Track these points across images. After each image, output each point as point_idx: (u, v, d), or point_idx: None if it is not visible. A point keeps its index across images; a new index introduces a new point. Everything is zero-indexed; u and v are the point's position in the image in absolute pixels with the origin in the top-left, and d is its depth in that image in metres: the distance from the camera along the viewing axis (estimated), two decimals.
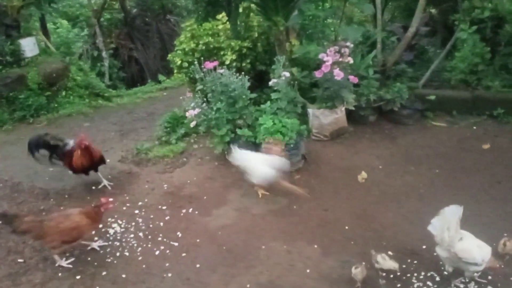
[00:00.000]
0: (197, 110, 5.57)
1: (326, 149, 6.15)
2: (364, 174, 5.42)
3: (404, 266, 3.94)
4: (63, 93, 9.10)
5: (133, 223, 4.69)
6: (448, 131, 6.36)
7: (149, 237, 4.47)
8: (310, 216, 4.77)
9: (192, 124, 5.69)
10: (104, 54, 12.76)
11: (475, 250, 3.50)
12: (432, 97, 6.74)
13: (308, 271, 3.96)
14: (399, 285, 3.75)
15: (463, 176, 5.24)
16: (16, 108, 8.27)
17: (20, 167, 6.08)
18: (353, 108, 6.34)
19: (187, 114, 5.72)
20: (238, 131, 5.60)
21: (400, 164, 5.66)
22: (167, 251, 4.26)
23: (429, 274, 3.84)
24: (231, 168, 5.75)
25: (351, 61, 6.02)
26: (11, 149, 6.88)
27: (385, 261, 3.78)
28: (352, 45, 6.15)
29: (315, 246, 4.28)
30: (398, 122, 6.67)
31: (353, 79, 5.96)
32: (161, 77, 13.09)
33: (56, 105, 8.83)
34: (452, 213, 3.56)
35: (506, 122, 6.37)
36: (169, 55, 7.41)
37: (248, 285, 3.81)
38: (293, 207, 4.93)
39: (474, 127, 6.40)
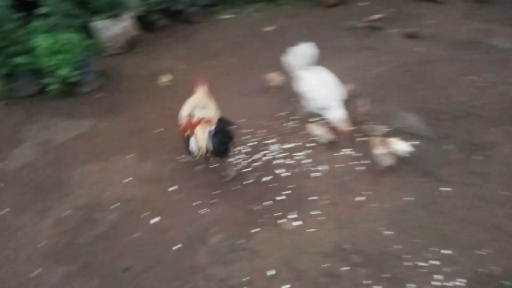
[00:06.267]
0: None
1: (124, 62, 5.86)
2: (166, 77, 5.40)
3: None
4: None
5: None
6: (236, 22, 6.67)
7: None
8: (120, 129, 4.62)
9: None
10: None
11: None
12: None
13: (127, 180, 3.92)
14: (215, 166, 4.02)
15: (255, 58, 5.67)
16: None
17: None
18: (141, 14, 6.04)
19: None
20: (14, 60, 4.83)
21: (198, 60, 5.78)
22: None
23: (237, 149, 4.19)
24: (19, 105, 5.08)
25: None
26: None
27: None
28: None
29: (132, 155, 4.23)
30: (188, 22, 6.67)
31: None
32: None
33: None
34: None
35: (282, 5, 6.94)
36: None
37: (67, 212, 3.61)
38: (101, 126, 4.69)
39: (257, 14, 6.82)
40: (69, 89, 5.06)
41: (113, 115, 4.85)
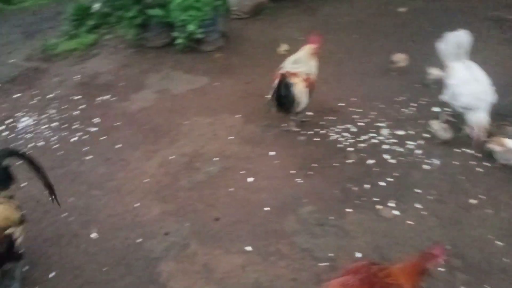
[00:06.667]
0: None
1: (247, 27, 5.96)
2: (284, 46, 5.36)
3: (323, 122, 4.11)
4: None
5: (46, 115, 4.43)
6: None
7: (65, 126, 4.26)
8: (232, 90, 4.73)
9: (96, 7, 5.18)
10: None
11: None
12: None
13: (230, 137, 4.01)
14: (318, 139, 3.91)
15: (380, 38, 5.34)
16: None
17: None
18: None
19: None
20: (149, 12, 5.20)
21: (321, 33, 5.62)
22: (85, 137, 4.11)
23: (344, 127, 4.03)
24: (147, 54, 5.47)
25: None
26: None
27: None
28: None
29: (238, 116, 4.30)
30: None
31: None
32: None
33: None
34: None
35: None
36: None
37: (172, 157, 3.81)
38: (215, 85, 4.85)
39: None
40: (193, 45, 5.30)
41: (228, 76, 4.98)
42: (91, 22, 6.28)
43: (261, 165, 3.66)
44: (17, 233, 2.57)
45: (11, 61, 5.71)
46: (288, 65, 3.90)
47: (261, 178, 3.52)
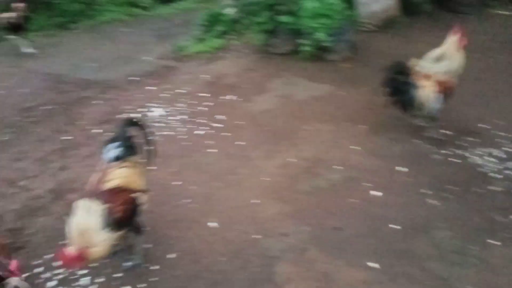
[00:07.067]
0: None
1: (376, 39, 5.73)
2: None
3: (462, 143, 3.71)
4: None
5: (176, 108, 4.63)
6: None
7: (193, 119, 4.40)
8: (357, 100, 4.53)
9: (229, 12, 5.36)
10: None
11: None
12: None
13: (354, 147, 3.79)
14: (455, 160, 3.52)
15: None
16: (55, 14, 8.21)
17: (62, 63, 6.12)
18: None
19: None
20: (280, 18, 5.24)
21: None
22: (211, 132, 4.19)
23: (487, 150, 3.58)
24: (271, 60, 5.50)
25: None
26: (53, 50, 6.88)
27: None
28: None
29: (363, 126, 4.08)
30: (456, 11, 6.04)
31: None
32: None
33: (93, 12, 8.73)
34: None
35: None
36: None
37: (292, 160, 3.70)
38: (338, 93, 4.69)
39: None
40: (319, 54, 5.21)
41: (353, 86, 4.79)
42: (220, 28, 6.56)
43: (387, 180, 3.38)
44: (142, 199, 2.63)
45: (146, 58, 6.16)
46: (427, 63, 3.69)
47: (388, 193, 3.24)
